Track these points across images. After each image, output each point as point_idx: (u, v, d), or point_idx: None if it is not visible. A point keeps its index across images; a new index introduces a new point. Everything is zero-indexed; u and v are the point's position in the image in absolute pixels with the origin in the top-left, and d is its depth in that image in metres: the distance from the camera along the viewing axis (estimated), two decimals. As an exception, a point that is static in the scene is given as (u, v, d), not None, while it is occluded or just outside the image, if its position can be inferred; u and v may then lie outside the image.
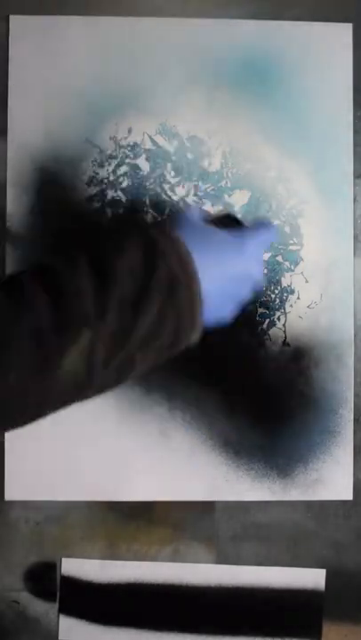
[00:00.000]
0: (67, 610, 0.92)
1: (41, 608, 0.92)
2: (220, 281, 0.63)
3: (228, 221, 0.75)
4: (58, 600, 0.92)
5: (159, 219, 0.90)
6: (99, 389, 0.58)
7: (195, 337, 0.61)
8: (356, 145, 0.93)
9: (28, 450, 0.91)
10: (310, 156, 0.92)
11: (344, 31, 0.92)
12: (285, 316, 0.92)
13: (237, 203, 0.92)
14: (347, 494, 0.92)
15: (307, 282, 0.92)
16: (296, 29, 0.92)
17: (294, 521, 0.92)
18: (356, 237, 0.93)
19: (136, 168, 0.91)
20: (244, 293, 0.69)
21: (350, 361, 0.93)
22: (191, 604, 0.92)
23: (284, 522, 0.92)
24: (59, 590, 0.92)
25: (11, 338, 0.53)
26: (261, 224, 0.73)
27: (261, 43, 0.92)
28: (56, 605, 0.92)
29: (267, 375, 0.92)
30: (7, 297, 0.54)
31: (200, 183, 0.90)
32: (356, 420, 0.93)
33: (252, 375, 0.92)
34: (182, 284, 0.58)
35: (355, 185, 0.93)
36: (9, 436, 0.91)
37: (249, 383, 0.92)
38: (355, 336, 0.93)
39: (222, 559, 0.92)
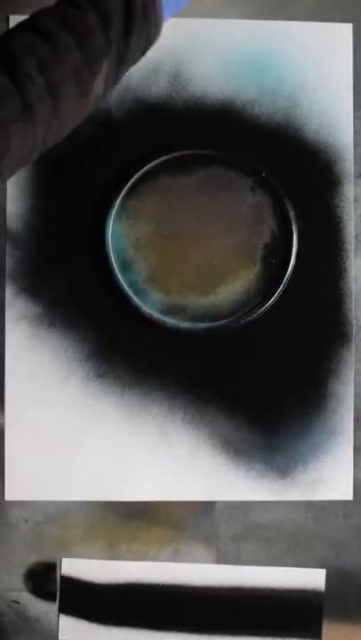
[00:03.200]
0: (67, 610, 0.92)
1: (41, 608, 0.92)
2: None
3: None
4: (58, 600, 0.92)
5: None
6: (106, 95, 0.75)
7: (158, 37, 0.76)
8: (356, 145, 0.93)
9: (28, 450, 0.91)
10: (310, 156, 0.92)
11: (344, 31, 0.92)
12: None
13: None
14: (347, 494, 0.92)
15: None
16: (296, 29, 0.92)
17: (294, 521, 0.92)
18: (356, 237, 0.93)
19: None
20: None
21: (351, 361, 0.93)
22: (191, 604, 0.92)
23: (284, 522, 0.92)
24: (59, 590, 0.92)
25: (62, 78, 0.68)
26: None
27: (261, 43, 0.92)
28: (56, 605, 0.92)
29: (267, 373, 0.92)
30: (44, 41, 0.68)
31: None
32: (356, 420, 0.93)
33: (252, 375, 0.92)
34: (151, 6, 0.72)
35: (355, 185, 0.93)
36: (9, 435, 0.91)
37: (249, 383, 0.92)
38: (355, 336, 0.93)
39: (222, 559, 0.92)
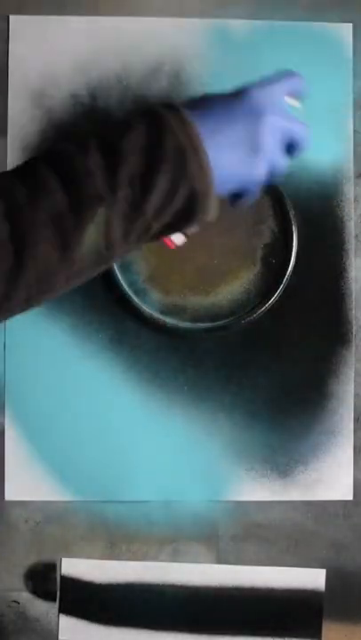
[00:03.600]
0: (67, 610, 0.92)
1: (41, 608, 0.92)
2: (226, 144, 0.63)
3: None
4: (58, 600, 0.92)
5: None
6: (119, 256, 0.62)
7: (212, 205, 0.62)
8: (356, 145, 0.93)
9: (28, 450, 0.91)
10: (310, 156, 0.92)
11: (344, 31, 0.92)
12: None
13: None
14: (347, 494, 0.92)
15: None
16: (296, 29, 0.92)
17: (294, 521, 0.92)
18: (356, 237, 0.93)
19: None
20: (258, 148, 0.64)
21: (351, 361, 0.93)
22: (191, 604, 0.92)
23: (284, 522, 0.92)
24: (59, 590, 0.92)
25: (33, 222, 0.57)
26: (280, 75, 0.67)
27: (261, 43, 0.92)
28: (56, 605, 0.92)
29: (267, 373, 0.92)
30: (22, 183, 0.57)
31: None
32: (356, 420, 0.93)
33: (252, 375, 0.92)
34: (190, 152, 0.59)
35: (355, 185, 0.93)
36: (9, 436, 0.91)
37: (249, 383, 0.92)
38: (355, 336, 0.93)
39: (222, 559, 0.92)
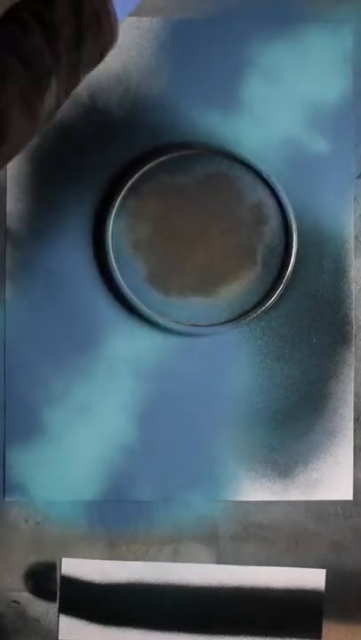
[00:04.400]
0: (67, 610, 0.92)
1: (41, 608, 0.92)
2: None
3: None
4: (58, 600, 0.92)
5: None
6: (61, 106, 0.72)
7: (116, 40, 0.74)
8: (356, 145, 0.93)
9: (29, 450, 0.91)
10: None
11: (344, 31, 0.92)
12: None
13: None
14: (347, 494, 0.92)
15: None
16: (296, 29, 0.92)
17: (294, 521, 0.92)
18: (356, 237, 0.93)
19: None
20: None
21: (350, 361, 0.93)
22: (191, 604, 0.92)
23: (284, 522, 0.92)
24: (59, 590, 0.92)
25: (7, 103, 0.65)
26: None
27: (260, 43, 0.92)
28: (56, 605, 0.92)
29: (267, 373, 0.92)
30: None
31: None
32: (356, 420, 0.93)
33: (252, 375, 0.92)
34: (103, 13, 0.70)
35: (355, 185, 0.93)
36: (9, 435, 0.91)
37: (249, 383, 0.92)
38: (355, 336, 0.93)
39: (222, 559, 0.92)
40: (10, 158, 0.69)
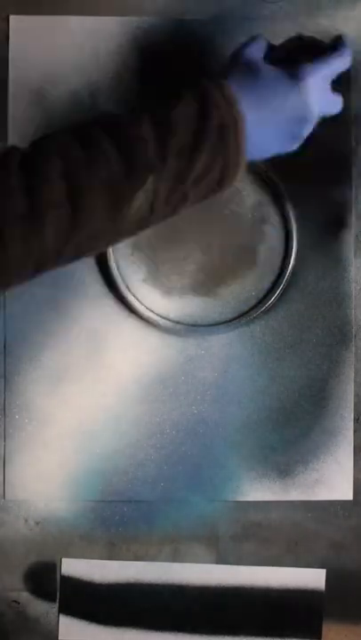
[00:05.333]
0: (67, 610, 0.92)
1: (41, 608, 0.92)
2: (269, 123, 0.69)
3: (301, 44, 0.77)
4: (58, 600, 0.92)
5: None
6: (157, 221, 0.67)
7: (239, 174, 0.68)
8: (356, 145, 0.93)
9: (29, 450, 0.91)
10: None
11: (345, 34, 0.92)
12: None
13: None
14: (347, 494, 0.92)
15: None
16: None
17: (294, 521, 0.92)
18: (356, 237, 0.93)
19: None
20: (298, 133, 0.72)
21: (350, 361, 0.93)
22: (191, 604, 0.92)
23: (284, 522, 0.92)
24: (59, 590, 0.92)
25: (90, 186, 0.60)
26: (333, 49, 0.74)
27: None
28: (56, 605, 0.92)
29: (267, 373, 0.92)
30: (80, 146, 0.61)
31: None
32: (356, 420, 0.93)
33: (252, 375, 0.92)
34: (230, 128, 0.65)
35: (355, 185, 0.93)
36: (9, 435, 0.91)
37: (249, 383, 0.92)
38: (355, 336, 0.93)
39: (222, 559, 0.92)
40: (84, 252, 0.63)
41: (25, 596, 0.92)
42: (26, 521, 0.92)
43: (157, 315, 0.91)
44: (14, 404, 0.91)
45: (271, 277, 0.92)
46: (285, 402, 0.92)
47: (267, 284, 0.92)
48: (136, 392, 0.92)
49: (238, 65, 0.72)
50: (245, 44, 0.75)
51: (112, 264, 0.90)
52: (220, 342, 0.92)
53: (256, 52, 0.74)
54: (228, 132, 0.65)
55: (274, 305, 0.92)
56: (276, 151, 0.73)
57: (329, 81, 0.74)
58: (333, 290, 0.93)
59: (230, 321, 0.91)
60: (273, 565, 0.92)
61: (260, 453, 0.92)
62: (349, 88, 0.91)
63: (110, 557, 0.92)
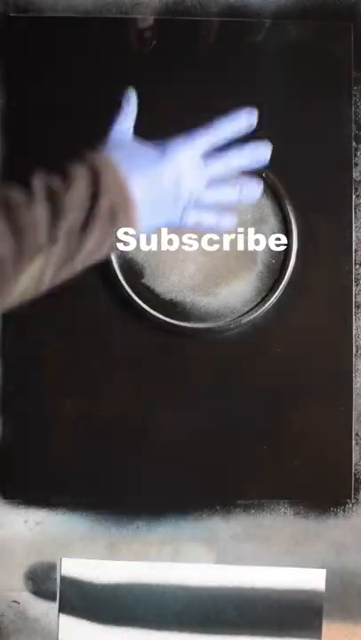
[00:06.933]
0: (67, 610, 0.92)
1: (41, 608, 0.92)
2: (150, 193, 0.69)
3: None
4: (58, 600, 0.92)
5: None
6: (44, 291, 0.68)
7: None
8: (356, 144, 0.93)
9: (29, 450, 0.91)
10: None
11: (344, 32, 0.92)
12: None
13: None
14: (347, 495, 0.92)
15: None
16: (296, 29, 0.92)
17: (294, 521, 0.92)
18: (356, 237, 0.93)
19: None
20: (179, 200, 0.72)
21: (350, 361, 0.93)
22: (191, 604, 0.92)
23: (284, 522, 0.92)
24: (59, 590, 0.92)
25: None
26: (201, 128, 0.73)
27: (260, 43, 0.92)
28: (56, 605, 0.92)
29: (267, 373, 0.92)
30: None
31: None
32: (356, 420, 0.93)
33: (252, 375, 0.93)
34: (121, 211, 0.67)
35: (355, 186, 0.93)
36: (8, 435, 0.91)
37: (249, 383, 0.92)
38: (355, 336, 0.93)
39: (222, 559, 0.92)
40: None
41: (25, 596, 0.92)
42: (26, 521, 0.92)
43: (157, 315, 0.91)
44: (14, 404, 0.91)
45: (271, 277, 0.92)
46: (285, 401, 0.92)
47: (267, 284, 0.92)
48: (135, 392, 0.92)
49: (116, 145, 0.72)
50: (115, 122, 0.75)
51: (112, 264, 0.90)
52: (220, 342, 0.92)
53: (126, 130, 0.74)
54: (119, 214, 0.67)
55: (274, 305, 0.92)
56: (168, 220, 0.73)
57: (201, 151, 0.72)
58: (333, 290, 0.93)
59: (230, 321, 0.92)
60: (273, 565, 0.92)
61: (260, 453, 0.92)
62: (350, 88, 0.91)
63: (110, 557, 0.92)
